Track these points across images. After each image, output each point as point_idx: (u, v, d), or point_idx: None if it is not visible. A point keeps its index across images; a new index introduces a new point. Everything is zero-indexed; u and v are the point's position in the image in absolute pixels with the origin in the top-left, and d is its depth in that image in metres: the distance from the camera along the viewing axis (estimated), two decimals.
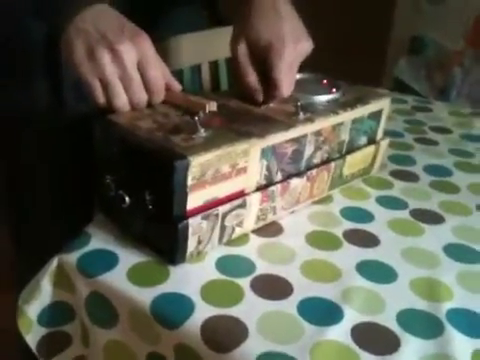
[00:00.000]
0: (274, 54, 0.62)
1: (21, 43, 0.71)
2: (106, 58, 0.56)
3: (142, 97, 0.59)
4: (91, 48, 0.57)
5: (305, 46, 0.65)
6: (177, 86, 0.63)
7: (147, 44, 0.58)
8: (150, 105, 0.61)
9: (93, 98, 0.59)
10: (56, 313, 0.59)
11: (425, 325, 0.50)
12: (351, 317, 0.50)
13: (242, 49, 0.64)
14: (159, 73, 0.60)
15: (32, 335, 0.59)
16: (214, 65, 0.92)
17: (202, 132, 0.55)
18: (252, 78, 0.64)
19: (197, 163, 0.51)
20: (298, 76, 0.75)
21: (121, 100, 0.58)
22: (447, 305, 0.53)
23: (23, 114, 0.76)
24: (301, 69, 0.75)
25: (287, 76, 0.63)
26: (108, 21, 0.59)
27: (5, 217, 0.87)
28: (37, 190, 0.81)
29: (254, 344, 0.47)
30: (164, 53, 0.82)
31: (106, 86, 0.57)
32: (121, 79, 0.58)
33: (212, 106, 0.60)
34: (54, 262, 0.57)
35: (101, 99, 0.58)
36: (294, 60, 0.64)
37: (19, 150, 0.79)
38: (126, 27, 0.59)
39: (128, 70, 0.57)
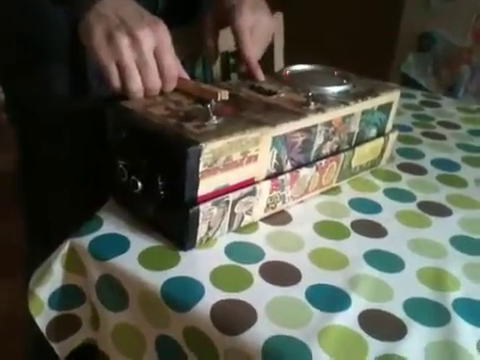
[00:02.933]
0: (234, 13, 0.70)
1: (46, 28, 0.71)
2: (124, 42, 0.58)
3: (156, 83, 0.61)
4: (110, 32, 0.58)
5: (266, 19, 0.73)
6: (186, 77, 0.64)
7: (164, 32, 0.60)
8: (162, 93, 0.62)
9: (109, 81, 0.60)
10: (67, 296, 0.60)
11: (431, 313, 0.51)
12: (359, 304, 0.51)
13: (209, 16, 0.75)
14: (174, 61, 0.61)
15: (42, 317, 0.60)
16: (225, 55, 0.92)
17: (214, 120, 0.56)
18: (212, 41, 0.76)
19: (209, 150, 0.52)
20: (309, 68, 0.76)
21: (136, 84, 0.59)
22: (453, 295, 0.54)
23: (46, 100, 0.77)
24: (312, 62, 0.76)
25: (249, 42, 0.71)
26: (128, 8, 0.60)
27: (18, 203, 0.88)
28: (54, 175, 0.82)
29: (263, 328, 0.47)
30: (177, 42, 0.83)
31: (123, 70, 0.59)
32: (137, 64, 0.59)
33: (224, 94, 0.61)
34: (66, 245, 0.57)
35: (117, 83, 0.59)
36: (255, 27, 0.71)
37: (38, 136, 0.80)
38: (145, 15, 0.60)
39: (145, 55, 0.58)
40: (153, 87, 0.61)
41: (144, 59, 0.59)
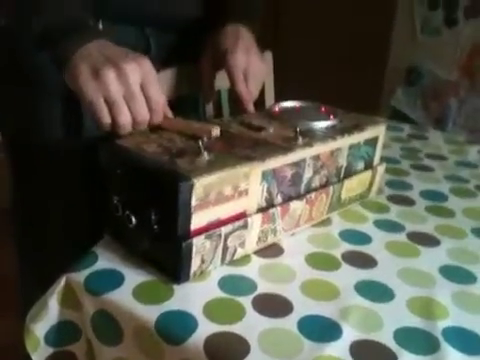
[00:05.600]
0: (229, 56, 0.76)
1: (39, 71, 0.74)
2: (111, 76, 0.59)
3: (145, 115, 0.62)
4: (96, 68, 0.59)
5: (258, 61, 0.78)
6: (170, 114, 0.66)
7: (149, 66, 0.62)
8: (154, 129, 0.64)
9: (97, 117, 0.61)
10: (62, 332, 0.60)
11: (421, 342, 0.52)
12: (349, 334, 0.52)
13: (207, 55, 0.80)
14: (160, 94, 0.63)
15: (39, 354, 0.60)
16: (217, 93, 0.95)
17: (205, 155, 0.58)
18: (211, 79, 0.81)
19: (201, 184, 0.54)
20: (297, 104, 0.79)
21: (125, 117, 0.60)
22: (443, 323, 0.54)
23: (42, 139, 0.79)
24: (300, 99, 0.79)
25: (242, 80, 0.76)
26: (112, 48, 0.62)
27: (14, 239, 0.89)
28: (49, 212, 0.83)
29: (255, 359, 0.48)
30: (166, 81, 0.86)
31: (111, 104, 0.60)
32: (125, 97, 0.60)
33: (216, 131, 0.63)
34: (62, 281, 0.58)
35: (106, 118, 0.60)
36: (249, 69, 0.77)
37: (34, 173, 0.82)
38: (129, 52, 0.62)
39: (132, 88, 0.60)
40: (142, 120, 0.62)
41: (131, 92, 0.60)
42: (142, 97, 0.61)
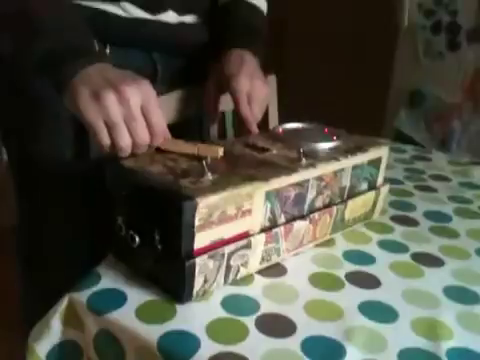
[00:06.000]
0: (233, 81, 0.77)
1: (45, 94, 0.75)
2: (112, 99, 0.59)
3: (145, 138, 0.62)
4: (96, 91, 0.59)
5: (261, 85, 0.80)
6: (169, 136, 0.65)
7: (150, 89, 0.62)
8: (157, 151, 0.64)
9: (97, 140, 0.61)
10: (65, 352, 0.60)
11: None
12: (353, 355, 0.52)
13: (212, 79, 0.82)
14: (161, 117, 0.63)
15: None
16: (221, 115, 0.96)
17: (209, 176, 0.58)
18: (216, 102, 0.83)
19: (204, 204, 0.54)
20: (301, 125, 0.80)
21: (125, 141, 0.60)
22: (447, 344, 0.54)
23: (48, 161, 0.80)
24: (304, 121, 0.80)
25: (246, 102, 0.77)
26: (112, 71, 0.63)
27: (17, 255, 0.90)
28: (51, 229, 0.83)
29: None
30: (172, 103, 0.87)
31: (111, 126, 0.60)
32: (125, 120, 0.60)
33: (220, 151, 0.63)
34: (65, 300, 0.58)
35: (106, 140, 0.60)
36: (252, 92, 0.78)
37: (37, 192, 0.83)
38: (130, 75, 0.63)
39: (133, 110, 0.60)
40: (142, 142, 0.62)
41: (132, 114, 0.60)
42: (143, 120, 0.61)
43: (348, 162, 0.70)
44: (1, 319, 1.36)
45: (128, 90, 0.59)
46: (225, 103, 0.85)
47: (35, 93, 0.77)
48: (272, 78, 1.04)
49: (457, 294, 0.63)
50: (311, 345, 0.53)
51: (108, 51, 0.78)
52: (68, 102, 0.62)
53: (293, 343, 0.53)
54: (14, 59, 0.73)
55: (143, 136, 0.61)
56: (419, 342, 0.54)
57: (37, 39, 0.64)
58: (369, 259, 0.69)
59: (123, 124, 0.60)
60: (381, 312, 0.58)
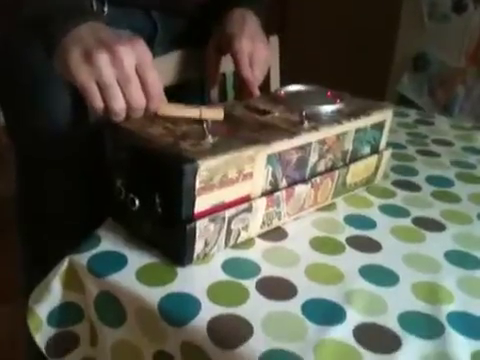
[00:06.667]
0: (234, 41, 0.75)
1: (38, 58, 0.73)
2: (104, 59, 0.55)
3: (140, 101, 0.58)
4: (88, 51, 0.56)
5: (263, 47, 0.78)
6: (165, 100, 0.62)
7: (145, 49, 0.58)
8: (157, 116, 0.61)
9: (90, 103, 0.57)
10: (65, 314, 0.60)
11: (426, 326, 0.52)
12: (353, 318, 0.52)
13: (213, 40, 0.80)
14: (157, 78, 0.59)
15: (41, 335, 0.60)
16: (221, 77, 0.94)
17: (210, 138, 0.57)
18: (216, 63, 0.81)
19: (205, 167, 0.53)
20: (303, 88, 0.78)
21: (119, 103, 0.57)
22: (448, 308, 0.54)
23: (47, 127, 0.79)
24: (306, 83, 0.78)
25: (247, 64, 0.75)
26: (105, 31, 0.59)
27: (17, 228, 0.90)
28: (50, 197, 0.83)
29: (259, 342, 0.48)
30: (171, 64, 0.85)
31: (104, 89, 0.56)
32: (119, 81, 0.57)
33: (221, 113, 0.62)
34: (65, 263, 0.58)
35: (99, 103, 0.57)
36: (254, 54, 0.76)
37: (37, 160, 0.82)
38: (123, 35, 0.59)
39: (127, 71, 0.56)
40: (137, 106, 0.58)
41: (126, 75, 0.56)
42: (138, 81, 0.57)
43: (351, 125, 0.68)
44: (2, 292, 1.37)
45: (122, 50, 0.56)
46: (225, 64, 0.83)
47: (28, 59, 0.75)
48: (274, 39, 1.01)
49: (458, 259, 0.62)
50: (312, 308, 0.53)
51: (106, 10, 0.76)
52: (59, 64, 0.59)
53: (294, 306, 0.53)
54: (5, 24, 0.71)
55: (138, 99, 0.58)
56: (419, 306, 0.54)
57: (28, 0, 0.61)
58: (370, 223, 0.69)
59: (117, 86, 0.57)
60: (381, 276, 0.58)
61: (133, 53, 0.57)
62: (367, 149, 0.74)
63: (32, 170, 0.84)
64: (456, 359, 0.48)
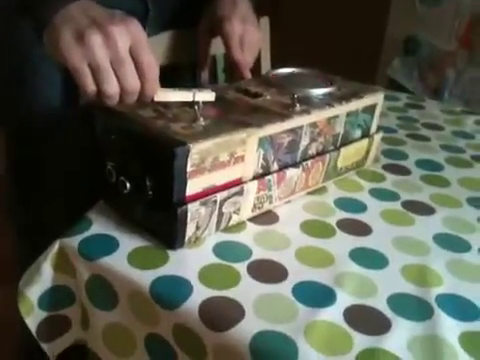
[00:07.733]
0: (225, 23, 0.75)
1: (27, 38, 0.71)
2: (97, 40, 0.53)
3: (135, 84, 0.56)
4: (80, 32, 0.53)
5: (253, 30, 0.78)
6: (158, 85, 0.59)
7: (140, 30, 0.56)
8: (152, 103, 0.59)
9: (82, 86, 0.55)
10: (56, 297, 0.60)
11: (415, 308, 0.52)
12: (344, 300, 0.52)
13: (204, 21, 0.80)
14: (154, 60, 0.56)
15: (32, 318, 0.60)
16: (212, 60, 0.94)
17: (201, 121, 0.57)
18: (207, 45, 0.81)
19: (197, 150, 0.53)
20: (295, 71, 0.78)
21: (112, 87, 0.55)
22: (437, 290, 0.55)
23: (38, 106, 0.77)
24: (297, 66, 0.78)
25: (238, 46, 0.75)
26: (97, 10, 0.57)
27: (8, 208, 0.89)
28: (43, 179, 0.82)
29: (250, 324, 0.48)
30: (163, 45, 0.84)
31: (96, 71, 0.54)
32: (113, 64, 0.54)
33: (211, 96, 0.62)
34: (55, 246, 0.58)
35: (91, 86, 0.55)
36: (244, 36, 0.76)
37: (28, 141, 0.81)
38: (116, 14, 0.56)
39: (121, 53, 0.54)
40: (132, 89, 0.56)
41: (120, 58, 0.54)
42: (132, 64, 0.55)
43: (342, 109, 0.68)
44: None
45: (115, 31, 0.53)
46: (216, 47, 0.82)
47: (16, 38, 0.74)
48: (265, 21, 1.00)
49: (447, 242, 0.63)
50: (302, 290, 0.53)
51: None
52: (49, 45, 0.56)
53: (284, 288, 0.53)
54: None
55: (132, 82, 0.55)
56: (408, 288, 0.55)
57: None
58: (360, 207, 0.69)
59: (110, 69, 0.54)
60: (371, 259, 0.59)
61: (128, 34, 0.54)
62: (358, 133, 0.74)
63: (23, 152, 0.83)
64: (445, 340, 0.49)
